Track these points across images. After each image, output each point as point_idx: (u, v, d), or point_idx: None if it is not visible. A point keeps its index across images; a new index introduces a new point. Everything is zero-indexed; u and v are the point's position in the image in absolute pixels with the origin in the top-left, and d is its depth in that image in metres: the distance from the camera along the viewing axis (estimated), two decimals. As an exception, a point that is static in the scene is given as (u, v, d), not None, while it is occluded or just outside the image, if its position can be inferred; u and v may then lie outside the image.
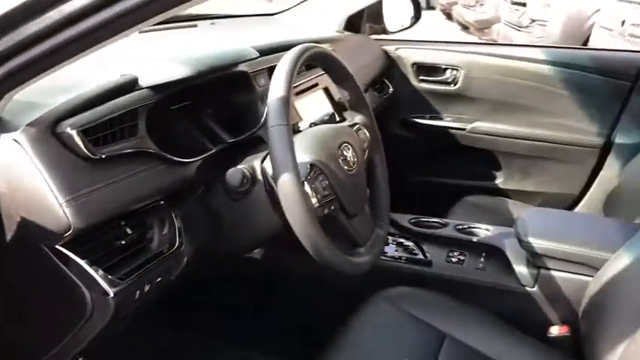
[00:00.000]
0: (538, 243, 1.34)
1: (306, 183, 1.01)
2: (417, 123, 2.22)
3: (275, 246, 1.45)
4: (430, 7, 10.65)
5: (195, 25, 1.86)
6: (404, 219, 1.63)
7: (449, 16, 9.80)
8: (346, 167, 1.11)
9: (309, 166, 1.04)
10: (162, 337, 1.64)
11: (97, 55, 0.78)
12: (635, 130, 1.98)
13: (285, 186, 0.94)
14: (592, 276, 1.26)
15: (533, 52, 2.10)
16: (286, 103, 0.98)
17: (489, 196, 2.06)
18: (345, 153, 1.11)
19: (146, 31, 1.53)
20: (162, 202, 1.06)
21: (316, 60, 1.17)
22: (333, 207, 1.07)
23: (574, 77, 2.03)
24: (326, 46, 1.23)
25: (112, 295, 0.90)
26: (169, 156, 1.05)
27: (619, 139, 1.99)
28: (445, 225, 1.60)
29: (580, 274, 1.33)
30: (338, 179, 1.07)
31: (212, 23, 1.97)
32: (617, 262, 1.18)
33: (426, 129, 2.22)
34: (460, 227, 1.58)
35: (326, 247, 0.99)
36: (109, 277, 0.91)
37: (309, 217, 0.96)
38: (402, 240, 1.57)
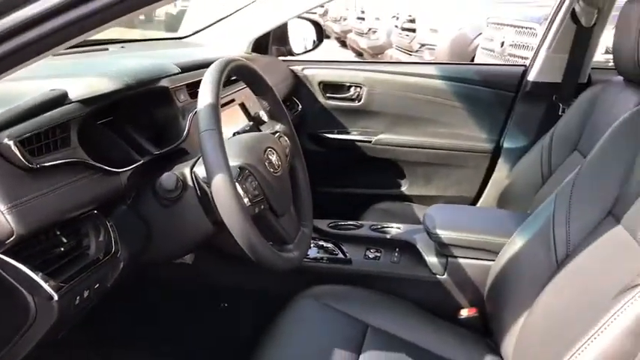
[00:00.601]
0: (445, 234, 1.49)
1: (237, 184, 1.08)
2: (326, 137, 2.35)
3: (205, 254, 1.49)
4: (325, 37, 11.02)
5: (107, 49, 1.88)
6: (323, 224, 1.73)
7: (343, 44, 10.20)
8: (272, 170, 1.19)
9: (238, 168, 1.11)
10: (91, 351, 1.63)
11: (27, 71, 0.81)
12: (521, 135, 2.22)
13: (220, 186, 1.00)
14: (493, 260, 1.42)
15: (428, 68, 2.30)
16: (215, 109, 1.04)
17: (396, 202, 2.22)
18: (270, 157, 1.20)
19: (59, 54, 1.54)
20: (95, 211, 1.09)
21: (239, 72, 1.24)
22: (262, 206, 1.14)
23: (464, 90, 2.25)
24: None
25: (56, 298, 0.92)
26: (101, 166, 1.08)
27: (507, 144, 2.23)
28: (361, 226, 1.72)
29: (483, 259, 1.49)
30: (266, 181, 1.15)
31: (122, 47, 2.00)
32: (513, 246, 1.34)
33: (334, 143, 2.35)
34: (374, 227, 1.70)
35: (260, 244, 1.06)
36: (52, 281, 0.93)
37: (244, 214, 1.02)
38: (322, 242, 1.66)
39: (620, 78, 1.76)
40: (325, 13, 11.17)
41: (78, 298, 1.00)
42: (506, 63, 4.09)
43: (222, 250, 1.55)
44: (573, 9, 2.01)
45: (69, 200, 0.99)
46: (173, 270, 1.51)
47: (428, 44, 6.30)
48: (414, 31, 6.71)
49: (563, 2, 2.04)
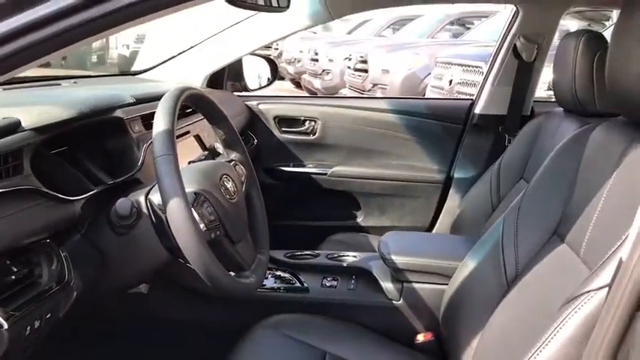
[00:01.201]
0: (399, 259, 1.52)
1: (192, 209, 1.08)
2: (282, 171, 2.37)
3: (160, 285, 1.47)
4: (280, 78, 11.16)
5: (59, 84, 1.88)
6: (279, 254, 1.74)
7: (298, 85, 10.33)
8: (228, 196, 1.20)
9: (194, 194, 1.12)
10: None
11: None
12: (470, 165, 2.29)
13: (175, 211, 1.00)
14: (446, 284, 1.45)
15: (380, 103, 2.38)
16: (170, 135, 1.05)
17: (352, 233, 2.25)
18: (225, 183, 1.21)
19: (9, 88, 1.53)
20: (48, 240, 1.07)
21: (193, 100, 1.25)
22: (218, 232, 1.15)
23: (415, 123, 2.33)
24: None
25: (5, 327, 0.89)
26: (54, 194, 1.07)
27: (457, 174, 2.30)
28: (317, 255, 1.74)
29: (437, 283, 1.52)
30: (221, 206, 1.16)
31: (74, 82, 1.99)
32: (464, 269, 1.37)
33: (290, 176, 2.37)
34: (331, 256, 1.72)
35: (216, 268, 1.06)
36: (1, 310, 0.90)
37: (199, 238, 1.02)
38: (279, 272, 1.67)
39: (561, 109, 1.85)
40: (280, 55, 11.31)
41: (29, 328, 0.97)
42: (452, 97, 4.25)
43: (178, 282, 1.54)
44: (515, 45, 2.12)
45: (20, 227, 0.98)
46: (127, 300, 1.49)
47: (380, 84, 6.47)
48: (366, 71, 6.88)
49: (506, 38, 2.15)
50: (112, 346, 1.61)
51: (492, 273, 1.27)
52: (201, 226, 1.10)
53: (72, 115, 1.13)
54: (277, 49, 11.50)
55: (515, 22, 2.11)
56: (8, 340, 0.91)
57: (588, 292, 0.89)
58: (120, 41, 13.61)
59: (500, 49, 2.19)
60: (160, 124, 1.06)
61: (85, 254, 1.15)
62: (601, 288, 0.87)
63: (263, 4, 1.42)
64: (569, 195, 1.20)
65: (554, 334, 0.92)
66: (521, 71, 2.17)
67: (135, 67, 2.50)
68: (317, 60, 9.07)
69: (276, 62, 2.62)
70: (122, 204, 1.13)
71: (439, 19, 9.21)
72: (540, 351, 0.93)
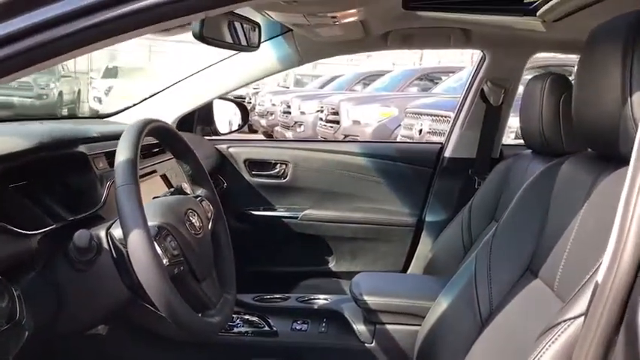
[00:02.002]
0: (371, 300, 1.48)
1: (155, 243, 1.04)
2: (252, 215, 2.33)
3: (119, 328, 1.40)
4: (253, 131, 11.23)
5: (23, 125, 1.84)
6: (247, 297, 1.68)
7: (270, 137, 10.41)
8: (193, 231, 1.15)
9: (157, 227, 1.07)
10: None
11: None
12: (441, 208, 2.29)
13: (136, 243, 0.96)
14: (420, 325, 1.41)
15: (351, 146, 2.38)
16: (134, 164, 1.02)
17: (323, 278, 2.20)
18: (191, 218, 1.17)
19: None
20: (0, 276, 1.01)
21: (158, 133, 1.22)
22: (182, 268, 1.10)
23: (386, 167, 2.33)
24: None
25: None
26: (9, 227, 1.02)
27: (429, 217, 2.29)
28: (287, 298, 1.69)
29: (410, 324, 1.48)
30: (186, 241, 1.12)
31: (41, 123, 1.96)
32: (438, 309, 1.34)
33: (260, 220, 2.33)
34: (301, 299, 1.67)
35: (180, 305, 1.00)
36: None
37: (161, 272, 0.97)
38: (247, 316, 1.61)
39: (529, 151, 1.87)
40: (253, 109, 11.42)
41: None
42: (422, 142, 4.30)
43: (139, 325, 1.46)
44: (482, 89, 2.16)
45: None
46: (84, 343, 1.41)
47: (351, 135, 6.53)
48: (337, 122, 6.96)
49: (473, 83, 2.19)
50: None
51: (466, 311, 1.25)
52: (164, 260, 1.05)
53: (31, 147, 1.09)
54: (250, 102, 11.63)
55: (482, 66, 2.16)
56: None
57: (565, 321, 0.87)
58: (92, 93, 13.68)
59: (469, 93, 2.23)
60: (122, 153, 1.02)
61: (40, 292, 1.08)
62: (577, 317, 0.85)
63: (232, 42, 1.43)
64: (540, 230, 1.20)
65: (533, 365, 0.89)
66: (488, 115, 2.20)
67: (104, 110, 2.47)
68: (289, 112, 9.18)
69: (247, 108, 2.62)
70: (81, 235, 1.08)
71: (408, 74, 9.46)
72: None
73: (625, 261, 0.72)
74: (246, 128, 2.52)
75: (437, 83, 8.35)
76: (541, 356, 0.88)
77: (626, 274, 0.72)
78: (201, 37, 1.30)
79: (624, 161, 0.96)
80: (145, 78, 12.91)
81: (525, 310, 1.14)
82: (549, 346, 0.88)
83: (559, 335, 0.87)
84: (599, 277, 0.78)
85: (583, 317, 0.83)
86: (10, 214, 1.08)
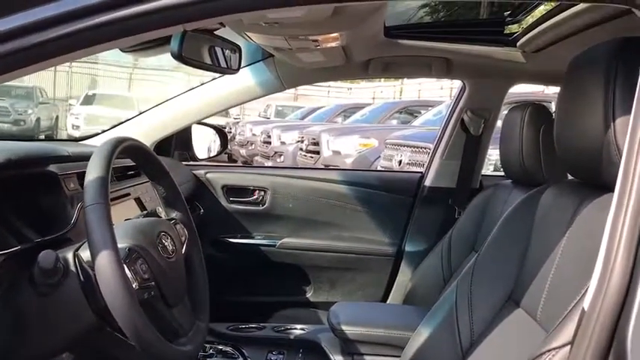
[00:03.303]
0: (350, 330, 1.44)
1: (125, 265, 0.99)
2: (229, 242, 2.28)
3: (86, 358, 1.33)
4: (233, 160, 11.21)
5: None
6: (222, 327, 1.63)
7: (250, 167, 10.39)
8: (165, 255, 1.11)
9: (127, 250, 1.03)
10: None
11: None
12: (421, 239, 2.26)
13: (105, 265, 0.92)
14: (399, 356, 1.37)
15: (330, 174, 2.35)
16: (104, 183, 0.98)
17: (301, 309, 2.15)
18: (163, 241, 1.12)
19: None
20: None
21: (132, 152, 1.19)
22: (153, 293, 1.05)
23: (366, 195, 2.30)
24: None
25: None
26: None
27: (408, 247, 2.26)
28: (263, 328, 1.64)
29: (389, 355, 1.44)
30: (157, 265, 1.07)
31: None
32: (418, 339, 1.31)
33: (237, 247, 2.28)
34: (277, 329, 1.62)
35: (149, 332, 0.96)
36: None
37: (130, 297, 0.93)
38: (220, 346, 1.55)
39: (509, 181, 1.86)
40: (233, 138, 11.41)
41: None
42: (404, 170, 4.30)
43: (106, 354, 1.40)
44: (462, 119, 2.17)
45: None
46: None
47: (331, 165, 6.53)
48: (317, 153, 6.96)
49: (453, 112, 2.20)
50: None
51: (447, 342, 1.22)
52: (134, 284, 1.00)
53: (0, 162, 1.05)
54: (230, 131, 11.63)
55: (462, 96, 2.17)
56: None
57: (549, 350, 0.84)
58: (70, 120, 13.57)
59: (449, 123, 2.23)
60: (92, 171, 0.98)
61: (1, 317, 1.02)
62: (563, 346, 0.83)
63: (211, 63, 1.41)
64: (522, 258, 1.18)
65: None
66: (468, 145, 2.20)
67: (79, 133, 2.43)
68: (269, 142, 9.18)
69: (227, 134, 2.59)
70: (46, 256, 1.02)
71: (388, 107, 9.56)
72: None
73: (613, 286, 0.71)
74: (225, 157, 2.49)
75: (416, 117, 8.43)
76: None
77: (614, 299, 0.70)
78: (179, 56, 1.26)
79: (607, 188, 0.95)
80: (125, 106, 12.86)
81: (507, 341, 1.12)
82: None
83: None
84: (586, 304, 0.76)
85: (569, 346, 0.80)
86: None
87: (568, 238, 1.04)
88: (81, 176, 1.38)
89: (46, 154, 1.25)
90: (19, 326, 1.05)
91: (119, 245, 0.99)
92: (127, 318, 0.93)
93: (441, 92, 13.24)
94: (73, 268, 1.05)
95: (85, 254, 1.04)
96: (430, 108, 8.26)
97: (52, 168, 1.28)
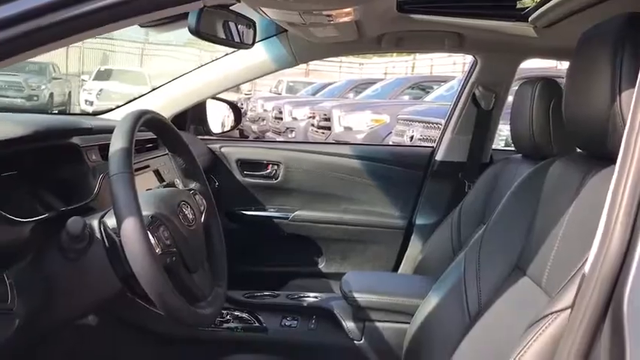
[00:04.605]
0: (361, 297, 1.49)
1: (148, 232, 1.04)
2: (243, 215, 2.33)
3: (110, 326, 1.40)
4: (244, 137, 11.25)
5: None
6: (238, 294, 1.68)
7: (262, 142, 10.40)
8: (186, 223, 1.16)
9: (150, 217, 1.08)
10: None
11: None
12: (431, 212, 2.30)
13: (130, 231, 0.96)
14: (408, 322, 1.42)
15: (343, 148, 2.39)
16: (128, 154, 1.02)
17: (313, 279, 2.21)
18: (184, 210, 1.17)
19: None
20: None
21: (153, 125, 1.23)
22: (174, 258, 1.10)
23: (377, 169, 2.34)
24: None
25: None
26: (2, 213, 1.02)
27: (419, 220, 2.30)
28: (277, 296, 1.69)
29: (399, 322, 1.49)
30: (178, 232, 1.12)
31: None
32: (426, 307, 1.36)
33: (251, 220, 2.33)
34: (291, 296, 1.68)
35: (171, 294, 1.01)
36: None
37: (154, 261, 0.98)
38: (237, 312, 1.61)
39: (519, 156, 1.89)
40: (244, 114, 11.43)
41: None
42: (415, 145, 4.33)
43: (129, 321, 1.46)
44: (474, 93, 2.19)
45: None
46: (74, 333, 1.40)
47: (342, 141, 6.55)
48: (329, 128, 6.98)
49: (465, 87, 2.21)
50: None
51: (455, 309, 1.26)
52: (157, 250, 1.05)
53: (23, 135, 1.09)
54: (242, 107, 11.64)
55: (473, 71, 2.18)
56: None
57: (551, 313, 0.88)
58: (82, 96, 13.64)
59: (460, 97, 2.25)
60: (117, 142, 1.03)
61: (32, 281, 1.08)
62: (564, 309, 0.87)
63: (227, 38, 1.44)
64: (529, 228, 1.21)
65: (520, 357, 0.90)
66: (479, 119, 2.22)
67: (95, 109, 2.47)
68: (281, 118, 9.19)
69: (240, 109, 2.62)
70: (74, 222, 1.08)
71: (400, 82, 9.51)
72: None
73: (612, 251, 0.74)
74: (237, 133, 2.53)
75: (428, 92, 8.40)
76: (527, 349, 0.90)
77: (613, 264, 0.74)
78: (197, 31, 1.30)
79: (613, 160, 0.99)
80: (137, 81, 12.89)
81: (513, 307, 1.15)
82: (536, 338, 0.89)
83: (545, 328, 0.88)
84: (586, 269, 0.79)
85: (569, 310, 0.84)
86: (1, 203, 1.08)
87: (574, 208, 1.07)
88: (102, 148, 1.43)
89: (69, 127, 1.30)
90: (49, 290, 1.11)
91: (143, 213, 1.04)
92: (150, 281, 0.97)
93: (454, 68, 13.12)
94: (98, 235, 1.11)
95: (110, 221, 1.10)
96: (442, 83, 8.21)
97: (75, 140, 1.33)
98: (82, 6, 0.75)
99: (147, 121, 1.15)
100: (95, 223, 1.12)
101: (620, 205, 0.75)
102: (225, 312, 1.61)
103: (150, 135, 1.58)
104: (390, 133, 5.79)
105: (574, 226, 1.06)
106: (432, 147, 2.39)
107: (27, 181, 1.22)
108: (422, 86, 9.23)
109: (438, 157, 2.32)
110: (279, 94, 13.88)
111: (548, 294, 1.04)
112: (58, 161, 1.30)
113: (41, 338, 1.21)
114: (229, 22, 1.42)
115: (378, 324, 1.50)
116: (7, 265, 1.05)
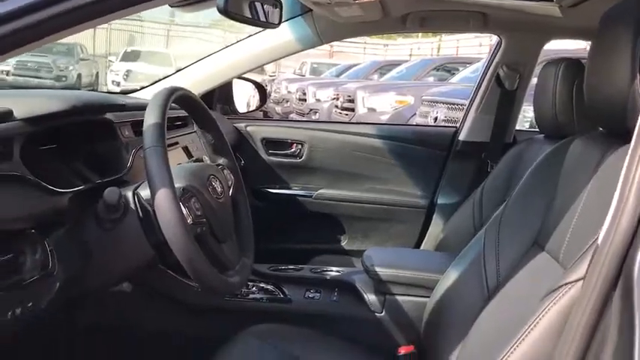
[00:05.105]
0: (382, 271, 1.53)
1: (180, 202, 1.09)
2: (268, 192, 2.39)
3: (141, 295, 1.46)
4: (268, 118, 11.30)
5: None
6: (263, 267, 1.74)
7: (286, 123, 10.43)
8: (215, 196, 1.21)
9: (182, 189, 1.13)
10: None
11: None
12: (453, 192, 2.33)
13: (163, 201, 1.01)
14: (428, 297, 1.46)
15: (366, 128, 2.42)
16: (161, 128, 1.07)
17: (335, 256, 2.25)
18: (213, 183, 1.22)
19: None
20: (32, 231, 1.07)
21: (184, 101, 1.27)
22: (204, 228, 1.15)
23: (400, 149, 2.37)
24: None
25: None
26: (42, 183, 1.08)
27: (441, 200, 2.33)
28: (301, 269, 1.75)
29: (419, 295, 1.53)
30: (208, 204, 1.17)
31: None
32: (446, 281, 1.39)
33: (275, 198, 2.39)
34: (314, 270, 1.73)
35: (202, 262, 1.06)
36: None
37: (186, 230, 1.03)
38: (262, 284, 1.67)
39: (542, 136, 1.90)
40: (268, 95, 11.47)
41: (10, 313, 0.96)
42: (438, 125, 4.33)
43: (159, 291, 1.53)
44: (498, 74, 2.19)
45: (6, 212, 0.99)
46: (109, 299, 1.47)
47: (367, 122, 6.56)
48: (352, 110, 6.99)
49: (489, 67, 2.22)
50: (93, 357, 1.59)
51: (474, 284, 1.29)
52: (188, 220, 1.10)
53: (65, 108, 1.15)
54: (266, 88, 11.66)
55: (498, 51, 2.18)
56: None
57: (566, 284, 0.91)
58: (110, 77, 13.81)
59: (484, 78, 2.26)
60: (150, 117, 1.08)
61: (70, 248, 1.15)
62: (578, 280, 0.90)
63: (253, 17, 1.48)
64: (548, 205, 1.23)
65: (534, 326, 0.93)
66: (503, 100, 2.23)
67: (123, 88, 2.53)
68: (304, 100, 9.21)
69: (265, 89, 2.67)
70: (111, 192, 1.13)
71: (425, 64, 9.44)
72: (518, 345, 0.95)
73: (624, 222, 0.77)
74: (261, 115, 2.58)
75: (454, 74, 8.33)
76: (541, 318, 0.93)
77: (624, 235, 0.76)
78: (225, 10, 1.35)
79: (631, 138, 1.00)
80: (163, 62, 13.01)
81: (531, 281, 1.18)
82: (550, 308, 0.92)
83: (559, 298, 0.92)
84: (599, 240, 0.82)
85: (582, 281, 0.87)
86: (43, 174, 1.15)
87: (592, 184, 1.09)
88: (135, 125, 1.49)
89: (104, 103, 1.35)
90: (86, 257, 1.17)
91: (175, 185, 1.09)
92: (182, 248, 1.03)
93: (480, 49, 12.95)
94: (132, 205, 1.16)
95: (144, 192, 1.15)
96: (468, 65, 8.13)
97: (109, 116, 1.38)
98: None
99: (178, 97, 1.20)
100: (130, 194, 1.17)
101: (634, 179, 0.78)
102: (251, 284, 1.67)
103: (178, 113, 1.63)
104: (414, 114, 5.78)
105: (592, 202, 1.08)
106: (455, 127, 2.41)
107: (65, 154, 1.28)
108: (447, 68, 9.16)
109: (461, 137, 2.33)
110: (303, 75, 13.87)
111: (564, 267, 1.07)
112: (93, 136, 1.36)
113: (79, 303, 1.28)
114: (256, 2, 1.46)
115: (398, 297, 1.55)
116: (48, 233, 1.11)
